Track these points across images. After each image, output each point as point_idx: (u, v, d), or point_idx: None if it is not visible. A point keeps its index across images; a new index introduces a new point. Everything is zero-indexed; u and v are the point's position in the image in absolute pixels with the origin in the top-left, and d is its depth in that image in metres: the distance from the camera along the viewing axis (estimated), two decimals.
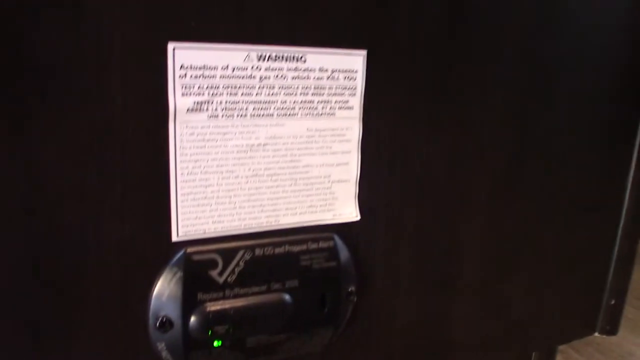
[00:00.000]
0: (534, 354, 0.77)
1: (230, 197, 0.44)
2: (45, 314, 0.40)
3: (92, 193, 0.39)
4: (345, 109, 0.47)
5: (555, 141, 0.59)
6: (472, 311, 0.59)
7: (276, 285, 0.46)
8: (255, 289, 0.45)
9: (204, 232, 0.44)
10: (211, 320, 0.44)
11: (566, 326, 0.70)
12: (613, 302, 0.72)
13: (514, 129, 0.55)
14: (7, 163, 0.37)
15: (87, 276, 0.41)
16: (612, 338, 1.02)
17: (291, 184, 0.46)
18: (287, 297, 0.47)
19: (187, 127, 0.42)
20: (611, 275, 0.70)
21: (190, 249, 0.43)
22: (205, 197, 0.44)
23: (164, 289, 0.43)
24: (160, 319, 0.43)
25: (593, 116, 0.61)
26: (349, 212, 0.49)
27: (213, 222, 0.44)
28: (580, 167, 0.61)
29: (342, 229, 0.49)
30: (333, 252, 0.48)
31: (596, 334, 0.74)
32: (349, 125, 0.47)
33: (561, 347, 0.99)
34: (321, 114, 0.46)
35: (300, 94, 0.45)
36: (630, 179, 0.67)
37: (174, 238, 0.43)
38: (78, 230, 0.40)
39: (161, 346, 0.44)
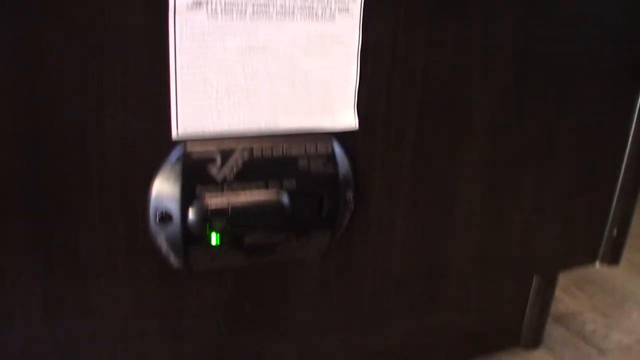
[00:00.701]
0: (534, 280, 0.78)
1: (229, 97, 0.45)
2: (49, 204, 0.42)
3: (94, 86, 0.41)
4: (345, 13, 0.47)
5: (560, 62, 0.58)
6: (472, 230, 0.60)
7: (274, 185, 0.47)
8: (253, 187, 0.47)
9: (203, 131, 0.45)
10: (209, 215, 0.45)
11: (567, 253, 0.70)
12: (615, 232, 0.72)
13: (518, 45, 0.55)
14: (9, 51, 0.38)
15: (89, 167, 0.42)
16: (616, 278, 1.03)
17: (290, 87, 0.47)
18: (284, 197, 0.48)
19: (187, 23, 0.42)
20: (614, 204, 0.70)
21: (189, 145, 0.45)
22: (205, 97, 0.44)
23: (164, 183, 0.45)
24: (160, 213, 0.45)
25: (602, 36, 0.60)
26: (347, 120, 0.50)
27: (212, 122, 0.45)
28: (586, 92, 0.61)
29: (340, 137, 0.50)
30: (331, 157, 0.49)
31: (597, 264, 0.75)
32: (349, 31, 0.48)
33: (563, 284, 1.00)
34: (321, 18, 0.46)
35: None
36: (636, 110, 0.66)
37: (174, 135, 0.44)
38: (81, 122, 0.41)
39: (161, 240, 0.46)
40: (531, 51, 0.56)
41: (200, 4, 0.42)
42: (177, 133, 0.44)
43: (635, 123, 0.67)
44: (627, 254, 1.12)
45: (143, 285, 0.47)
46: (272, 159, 0.47)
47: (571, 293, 0.98)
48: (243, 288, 0.51)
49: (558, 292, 0.96)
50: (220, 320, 0.51)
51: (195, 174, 0.45)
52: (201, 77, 0.44)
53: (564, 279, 1.01)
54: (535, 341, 0.81)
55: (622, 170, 0.68)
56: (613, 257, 0.74)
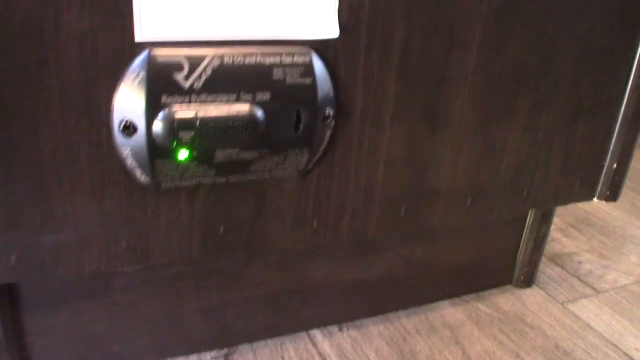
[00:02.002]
0: (529, 215, 0.76)
1: None
2: (4, 112, 0.39)
3: None
4: None
5: None
6: (461, 154, 0.57)
7: (246, 97, 0.44)
8: (224, 97, 0.44)
9: (170, 34, 0.42)
10: (176, 126, 0.42)
11: (564, 186, 0.67)
12: (615, 166, 0.69)
13: None
14: None
15: (47, 70, 0.39)
16: (616, 220, 1.00)
17: None
18: (257, 110, 0.45)
19: None
20: (615, 134, 0.67)
21: (154, 50, 0.41)
22: None
23: (128, 90, 0.42)
24: (124, 122, 0.42)
25: None
26: (328, 27, 0.46)
27: (180, 24, 0.42)
28: (589, 4, 0.57)
29: (320, 47, 0.46)
30: (309, 69, 0.46)
31: (595, 200, 0.72)
32: None
33: (562, 225, 0.98)
34: None
35: None
36: None
37: (137, 38, 0.41)
38: (36, 19, 0.38)
39: (126, 152, 0.43)
40: None
41: None
42: (142, 35, 0.41)
43: None
44: (629, 196, 1.10)
45: (109, 202, 0.45)
46: (245, 68, 0.44)
47: (569, 234, 0.96)
48: (216, 209, 0.49)
49: (555, 233, 0.94)
50: (192, 241, 0.49)
51: (161, 81, 0.42)
52: None
53: (562, 221, 0.99)
54: (528, 280, 0.79)
55: (626, 96, 0.64)
56: (612, 193, 0.71)
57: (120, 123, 0.42)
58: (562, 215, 1.01)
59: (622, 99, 0.65)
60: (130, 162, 0.44)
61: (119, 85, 0.42)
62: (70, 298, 0.54)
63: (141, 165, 0.44)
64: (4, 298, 0.51)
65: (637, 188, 1.14)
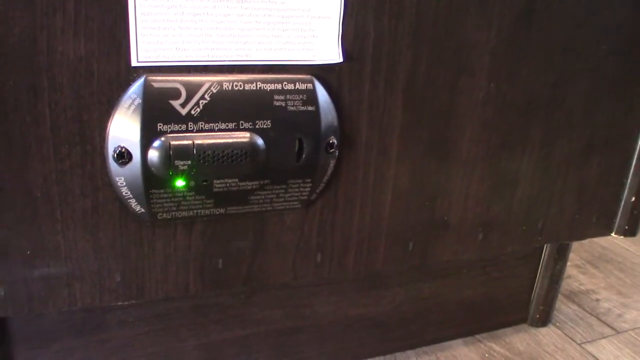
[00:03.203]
0: (544, 251, 0.73)
1: (196, 22, 0.40)
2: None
3: (42, 2, 0.36)
4: None
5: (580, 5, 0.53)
6: (472, 186, 0.55)
7: (246, 124, 0.43)
8: (222, 125, 0.42)
9: (167, 59, 0.40)
10: (172, 154, 0.41)
11: (580, 220, 0.64)
12: (633, 199, 0.66)
13: None
14: None
15: (39, 96, 0.38)
16: (634, 257, 0.96)
17: (265, 15, 0.42)
18: (257, 138, 0.43)
19: None
20: (632, 168, 0.65)
21: (150, 75, 0.40)
22: (168, 19, 0.40)
23: (122, 117, 0.40)
24: (118, 149, 0.41)
25: None
26: (331, 53, 0.45)
27: (177, 49, 0.41)
28: (604, 32, 0.55)
29: (323, 73, 0.45)
30: (311, 96, 0.44)
31: (613, 234, 0.69)
32: None
33: (578, 261, 0.95)
34: None
35: None
36: None
37: (133, 62, 0.40)
38: (29, 44, 0.37)
39: (120, 181, 0.42)
40: None
41: None
42: (137, 59, 0.40)
43: None
44: None
45: (102, 234, 0.43)
46: (245, 94, 0.42)
47: (585, 270, 0.92)
48: (214, 241, 0.47)
49: (572, 270, 0.90)
50: (189, 276, 0.47)
51: (157, 108, 0.40)
52: None
53: (577, 256, 0.95)
54: (544, 318, 0.76)
55: None
56: (630, 228, 0.68)
57: (115, 151, 0.41)
58: (578, 251, 0.98)
59: (638, 131, 0.63)
60: (124, 191, 0.42)
61: (114, 112, 0.40)
62: (62, 333, 0.51)
63: (136, 195, 0.42)
64: None
65: None
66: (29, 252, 0.42)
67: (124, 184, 0.42)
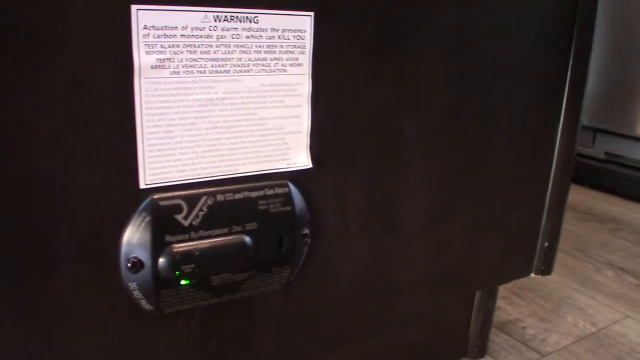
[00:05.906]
0: (477, 293, 0.84)
1: (193, 147, 0.48)
2: (20, 255, 0.44)
3: (64, 143, 0.43)
4: (295, 65, 0.51)
5: (489, 95, 0.64)
6: (417, 252, 0.65)
7: (237, 228, 0.51)
8: (218, 231, 0.50)
9: (169, 180, 0.48)
10: (178, 260, 0.48)
11: (505, 267, 0.76)
12: (547, 244, 0.79)
13: (450, 84, 0.61)
14: None
15: (60, 222, 0.44)
16: (551, 284, 1.10)
17: (248, 136, 0.51)
18: (247, 238, 0.51)
19: (151, 82, 0.45)
20: (544, 219, 0.77)
21: (156, 195, 0.47)
22: (170, 147, 0.47)
23: (134, 232, 0.47)
24: (131, 260, 0.48)
25: (524, 71, 0.67)
26: (301, 161, 0.54)
27: (177, 171, 0.48)
28: (512, 122, 0.67)
29: (296, 177, 0.54)
30: (288, 198, 0.53)
31: (532, 275, 0.82)
32: (300, 81, 0.52)
33: (504, 293, 1.07)
34: (274, 71, 0.50)
35: (254, 52, 0.49)
36: (559, 131, 0.74)
37: (142, 185, 0.47)
38: (50, 179, 0.43)
39: (133, 286, 0.48)
40: (461, 87, 0.62)
41: (162, 65, 0.45)
42: (145, 183, 0.47)
43: (558, 147, 0.74)
44: (559, 257, 1.21)
45: (115, 332, 0.49)
46: (235, 203, 0.50)
47: (512, 301, 1.05)
48: (210, 326, 0.54)
49: (500, 302, 1.03)
50: (189, 358, 0.54)
51: (164, 222, 0.48)
52: (165, 130, 0.47)
53: (504, 289, 1.08)
54: (481, 350, 0.87)
55: (549, 188, 0.75)
56: (546, 267, 0.80)
57: (127, 261, 0.48)
58: (503, 285, 1.11)
59: (547, 188, 0.76)
60: (136, 294, 0.49)
61: (126, 228, 0.47)
62: None
63: (146, 296, 0.49)
64: None
65: (565, 248, 1.27)
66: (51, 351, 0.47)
67: (136, 287, 0.49)
